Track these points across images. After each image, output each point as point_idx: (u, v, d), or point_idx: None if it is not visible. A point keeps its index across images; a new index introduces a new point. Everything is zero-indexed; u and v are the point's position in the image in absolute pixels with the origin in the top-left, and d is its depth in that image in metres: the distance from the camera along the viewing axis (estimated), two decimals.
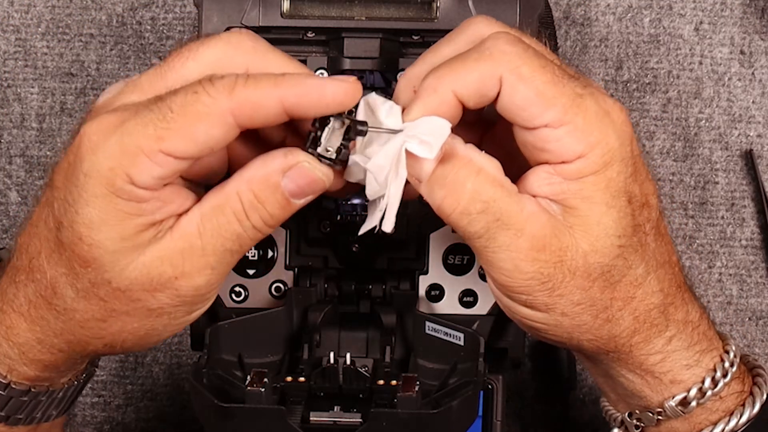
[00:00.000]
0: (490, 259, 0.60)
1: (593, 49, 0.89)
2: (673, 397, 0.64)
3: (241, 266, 0.71)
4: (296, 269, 0.71)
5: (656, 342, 0.63)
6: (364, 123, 0.59)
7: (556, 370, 0.87)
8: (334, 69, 0.69)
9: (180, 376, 0.90)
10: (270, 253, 0.72)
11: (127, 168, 0.56)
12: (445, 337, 0.68)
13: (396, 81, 0.69)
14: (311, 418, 0.65)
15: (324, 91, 0.57)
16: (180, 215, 0.58)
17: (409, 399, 0.61)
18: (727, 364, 0.64)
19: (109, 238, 0.57)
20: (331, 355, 0.66)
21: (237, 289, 0.72)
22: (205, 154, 0.57)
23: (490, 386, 0.71)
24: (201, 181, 0.61)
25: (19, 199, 0.92)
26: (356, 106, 0.59)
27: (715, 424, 0.64)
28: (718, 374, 0.64)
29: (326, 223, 0.70)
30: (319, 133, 0.59)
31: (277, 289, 0.72)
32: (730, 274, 0.90)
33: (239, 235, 0.58)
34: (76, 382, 0.67)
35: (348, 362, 0.66)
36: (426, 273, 0.71)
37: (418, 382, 0.62)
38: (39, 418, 0.67)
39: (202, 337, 0.68)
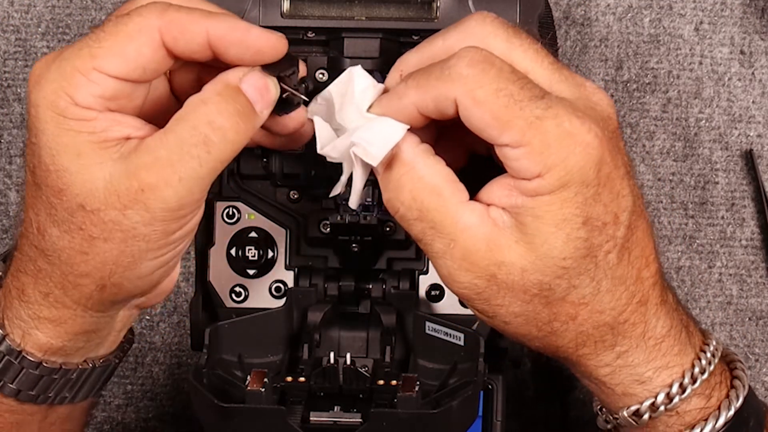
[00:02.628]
0: (432, 262, 0.62)
1: (593, 49, 0.90)
2: (627, 408, 0.64)
3: (241, 266, 0.71)
4: (296, 269, 0.71)
5: (604, 356, 0.63)
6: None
7: (556, 370, 0.87)
8: (335, 69, 0.69)
9: (180, 376, 0.90)
10: (270, 253, 0.72)
11: (67, 89, 0.59)
12: (445, 337, 0.68)
13: None
14: (311, 418, 0.65)
15: (248, 34, 0.60)
16: (144, 138, 0.60)
17: (409, 399, 0.61)
18: (687, 380, 0.64)
19: (69, 159, 0.59)
20: (331, 355, 0.66)
21: (237, 289, 0.72)
22: (139, 74, 0.60)
23: (490, 386, 0.71)
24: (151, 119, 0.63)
25: (19, 199, 0.92)
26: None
27: None
28: (674, 390, 0.64)
29: (326, 223, 0.70)
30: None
31: (277, 289, 0.72)
32: (730, 274, 0.90)
33: (206, 138, 0.59)
34: (90, 365, 0.67)
35: (348, 362, 0.66)
36: (426, 273, 0.71)
37: (418, 382, 0.62)
38: (51, 398, 0.67)
39: (202, 337, 0.68)
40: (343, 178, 0.63)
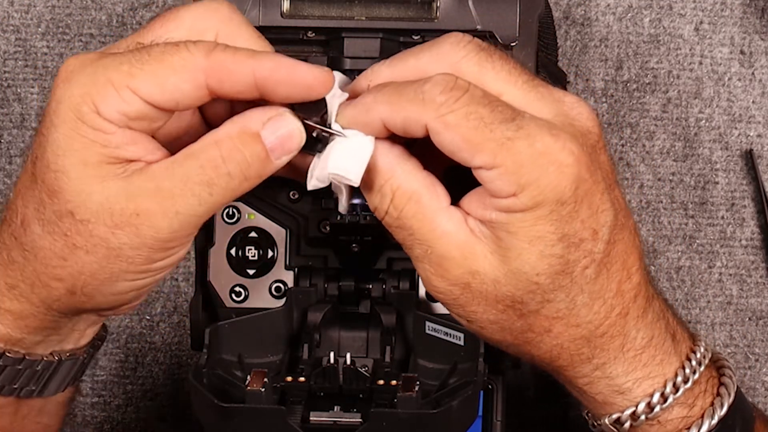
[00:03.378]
0: (414, 266, 0.62)
1: (593, 49, 0.90)
2: (609, 415, 0.65)
3: (241, 266, 0.71)
4: (296, 269, 0.71)
5: (581, 368, 0.63)
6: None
7: None
8: (335, 69, 0.69)
9: (180, 376, 0.90)
10: (270, 253, 0.72)
11: (94, 96, 0.58)
12: (445, 337, 0.68)
13: None
14: (311, 418, 0.65)
15: (296, 72, 0.59)
16: (151, 163, 0.60)
17: (409, 399, 0.61)
18: (668, 390, 0.64)
19: (72, 163, 0.59)
20: (331, 355, 0.66)
21: (237, 289, 0.72)
22: (171, 106, 0.59)
23: (490, 386, 0.71)
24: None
25: (12, 184, 0.92)
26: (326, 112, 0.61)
27: None
28: (655, 400, 0.64)
29: (326, 223, 0.70)
30: (303, 120, 0.60)
31: (277, 289, 0.72)
32: (730, 274, 0.90)
33: (211, 181, 0.59)
34: (56, 358, 0.67)
35: (348, 362, 0.66)
36: None
37: (418, 382, 0.62)
38: (17, 389, 0.66)
39: (202, 337, 0.68)
40: (342, 199, 0.64)
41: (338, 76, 0.63)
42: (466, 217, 0.60)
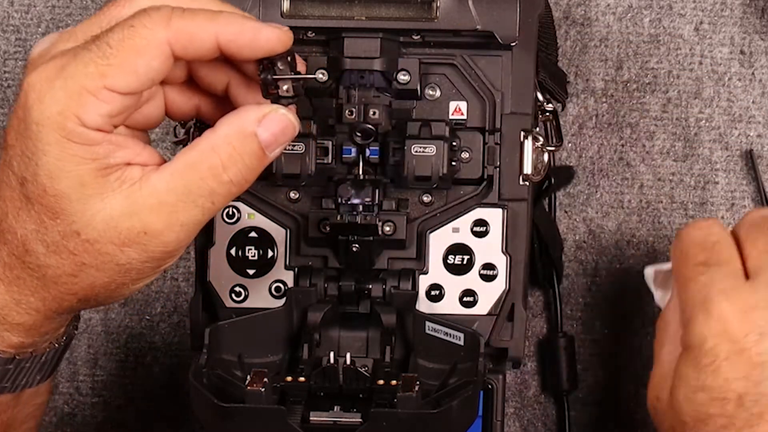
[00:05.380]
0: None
1: (593, 49, 0.89)
2: None
3: (241, 266, 0.71)
4: (296, 269, 0.71)
5: None
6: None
7: (556, 370, 0.87)
8: (335, 69, 0.69)
9: (180, 376, 0.90)
10: (270, 253, 0.72)
11: (75, 109, 0.58)
12: (445, 337, 0.68)
13: (396, 81, 0.69)
14: (311, 418, 0.65)
15: (258, 34, 0.60)
16: (145, 166, 0.60)
17: (409, 399, 0.61)
18: None
19: (70, 186, 0.59)
20: (331, 355, 0.66)
21: (237, 289, 0.72)
22: (147, 86, 0.59)
23: (490, 386, 0.71)
24: (141, 129, 0.63)
25: None
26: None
27: None
28: None
29: (326, 223, 0.70)
30: (270, 76, 0.61)
31: (277, 289, 0.72)
32: None
33: (213, 191, 0.59)
34: (57, 345, 0.67)
35: (348, 362, 0.66)
36: (426, 273, 0.71)
37: (418, 382, 0.62)
38: (24, 384, 0.67)
39: (202, 337, 0.68)
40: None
41: None
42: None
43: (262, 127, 0.60)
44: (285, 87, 0.61)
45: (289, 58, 0.61)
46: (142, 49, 0.58)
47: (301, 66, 0.64)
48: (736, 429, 0.61)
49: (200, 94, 0.65)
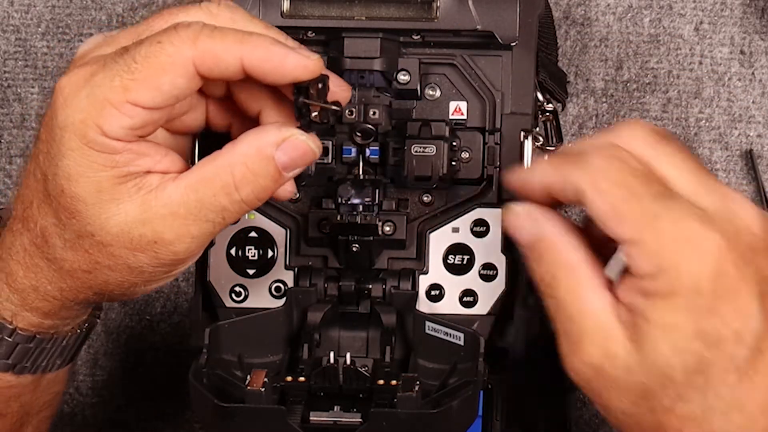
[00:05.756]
0: (559, 344, 0.61)
1: (593, 49, 0.90)
2: None
3: (241, 266, 0.71)
4: (296, 269, 0.71)
5: None
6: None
7: (556, 370, 0.87)
8: (335, 69, 0.69)
9: (180, 376, 0.90)
10: (270, 253, 0.72)
11: (97, 119, 0.58)
12: (445, 337, 0.68)
13: (396, 81, 0.69)
14: (311, 418, 0.65)
15: (285, 60, 0.59)
16: (164, 174, 0.60)
17: (409, 399, 0.61)
18: None
19: (87, 191, 0.59)
20: (331, 355, 0.66)
21: (237, 289, 0.72)
22: (172, 103, 0.59)
23: (490, 386, 0.71)
24: (183, 134, 0.64)
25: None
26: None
27: None
28: None
29: (326, 223, 0.70)
30: (301, 100, 0.61)
31: (277, 289, 0.72)
32: None
33: (224, 208, 0.60)
34: (79, 331, 0.68)
35: (348, 362, 0.66)
36: (426, 273, 0.71)
37: (418, 382, 0.62)
38: (44, 366, 0.68)
39: (202, 337, 0.68)
40: None
41: None
42: (615, 302, 0.59)
43: (281, 151, 0.60)
44: (314, 113, 0.61)
45: (320, 85, 0.61)
46: (166, 66, 0.58)
47: (342, 92, 0.64)
48: (738, 370, 0.57)
49: (236, 113, 0.65)
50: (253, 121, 0.64)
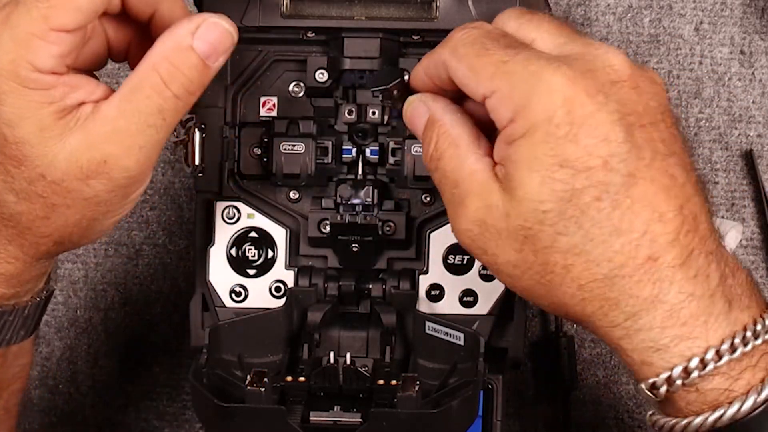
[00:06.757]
0: (448, 214, 0.63)
1: None
2: (646, 380, 0.61)
3: (241, 266, 0.72)
4: (296, 269, 0.71)
5: (613, 316, 0.60)
6: None
7: (556, 370, 0.87)
8: (335, 69, 0.70)
9: (180, 376, 0.90)
10: (270, 253, 0.72)
11: (26, 56, 0.59)
12: (445, 337, 0.68)
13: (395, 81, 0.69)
14: (311, 418, 0.65)
15: None
16: (97, 102, 0.61)
17: (409, 399, 0.61)
18: (710, 356, 0.59)
19: (30, 131, 0.60)
20: (331, 355, 0.66)
21: (237, 289, 0.72)
22: (92, 18, 0.61)
23: (490, 386, 0.71)
24: (89, 70, 0.65)
25: None
26: None
27: (697, 414, 0.61)
28: (693, 365, 0.59)
29: (326, 223, 0.70)
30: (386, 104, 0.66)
31: (277, 289, 0.72)
32: None
33: (161, 107, 0.61)
34: (38, 299, 0.69)
35: (348, 362, 0.66)
36: (426, 273, 0.71)
37: (418, 382, 0.62)
38: (8, 339, 0.68)
39: (202, 337, 0.68)
40: None
41: None
42: (494, 163, 0.61)
43: (198, 40, 0.61)
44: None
45: (396, 91, 0.65)
46: None
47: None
48: (610, 196, 0.58)
49: (134, 35, 0.66)
50: (149, 41, 0.64)
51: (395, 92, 0.64)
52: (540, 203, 0.58)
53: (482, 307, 0.71)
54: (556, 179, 0.58)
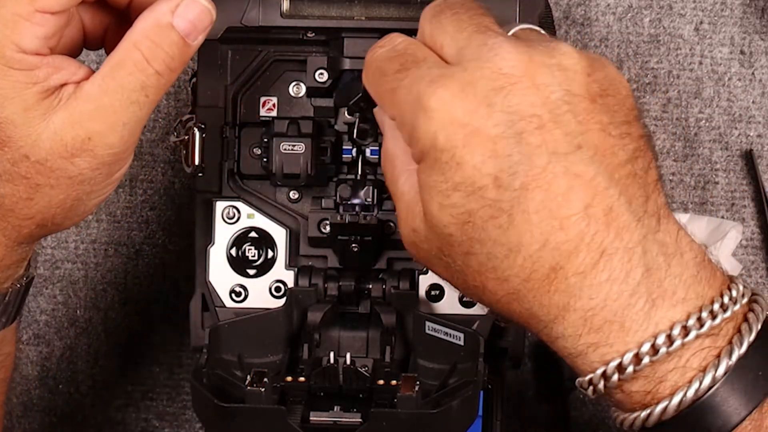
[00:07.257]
0: None
1: (593, 49, 0.90)
2: (577, 379, 0.60)
3: (241, 266, 0.72)
4: (296, 269, 0.71)
5: (533, 325, 0.59)
6: None
7: (556, 370, 0.87)
8: (334, 69, 0.70)
9: (180, 376, 0.90)
10: (270, 253, 0.72)
11: (11, 36, 0.60)
12: (445, 337, 0.68)
13: None
14: (311, 418, 0.65)
15: None
16: (79, 83, 0.62)
17: (409, 399, 0.61)
18: (627, 360, 0.57)
19: (15, 112, 0.61)
20: (331, 355, 0.66)
21: (237, 289, 0.72)
22: (76, 2, 0.61)
23: (490, 386, 0.71)
24: (67, 55, 0.65)
25: None
26: None
27: (631, 412, 0.60)
28: (610, 370, 0.58)
29: (326, 223, 0.71)
30: (360, 125, 0.66)
31: (277, 289, 0.72)
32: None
33: (143, 84, 0.62)
34: (18, 286, 0.69)
35: (348, 362, 0.66)
36: (426, 273, 0.71)
37: (418, 382, 0.62)
38: None
39: (202, 338, 0.68)
40: None
41: None
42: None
43: (178, 17, 0.62)
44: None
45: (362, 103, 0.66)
46: None
47: None
48: (505, 213, 0.57)
49: (111, 15, 0.67)
50: (125, 28, 0.64)
51: (361, 104, 0.65)
52: (444, 227, 0.58)
53: (482, 307, 0.71)
54: (451, 204, 0.57)
